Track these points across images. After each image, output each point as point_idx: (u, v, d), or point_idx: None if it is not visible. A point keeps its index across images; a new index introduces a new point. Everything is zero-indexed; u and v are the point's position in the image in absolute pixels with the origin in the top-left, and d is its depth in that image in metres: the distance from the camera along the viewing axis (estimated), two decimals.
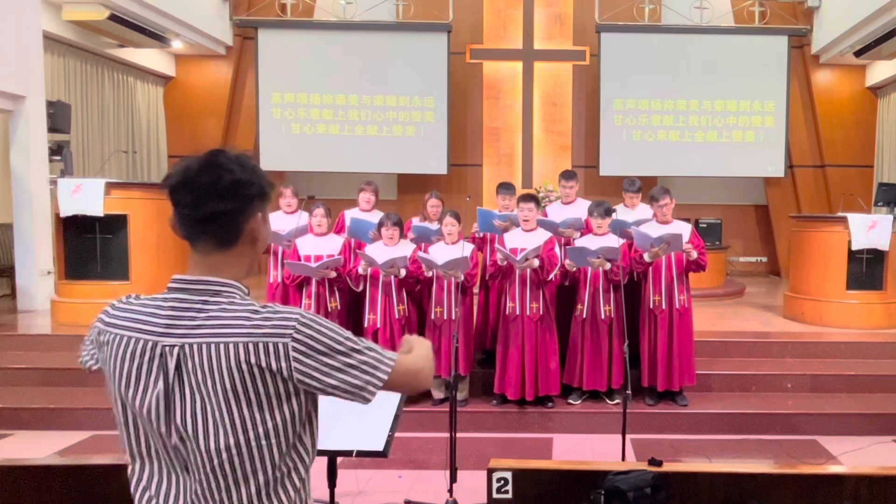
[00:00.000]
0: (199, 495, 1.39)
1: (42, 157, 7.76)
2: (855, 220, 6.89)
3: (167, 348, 1.37)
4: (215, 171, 1.40)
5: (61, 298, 6.84)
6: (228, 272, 1.44)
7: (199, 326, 1.37)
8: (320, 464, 2.87)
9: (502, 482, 2.61)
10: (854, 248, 6.85)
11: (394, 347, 5.02)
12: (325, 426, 2.73)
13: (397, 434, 2.71)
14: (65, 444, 4.95)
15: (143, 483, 1.45)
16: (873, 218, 6.98)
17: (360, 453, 2.65)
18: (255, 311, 1.39)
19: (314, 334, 1.39)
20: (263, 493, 1.40)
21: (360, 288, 5.38)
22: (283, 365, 1.36)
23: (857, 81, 11.14)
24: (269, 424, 1.38)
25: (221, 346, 1.35)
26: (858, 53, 9.83)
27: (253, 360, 1.35)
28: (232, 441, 1.37)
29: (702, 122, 10.96)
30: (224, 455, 1.37)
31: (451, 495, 3.85)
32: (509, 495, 2.61)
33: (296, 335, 1.37)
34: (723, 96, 10.84)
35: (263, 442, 1.38)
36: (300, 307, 5.33)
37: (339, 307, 5.45)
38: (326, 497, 2.94)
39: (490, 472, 2.62)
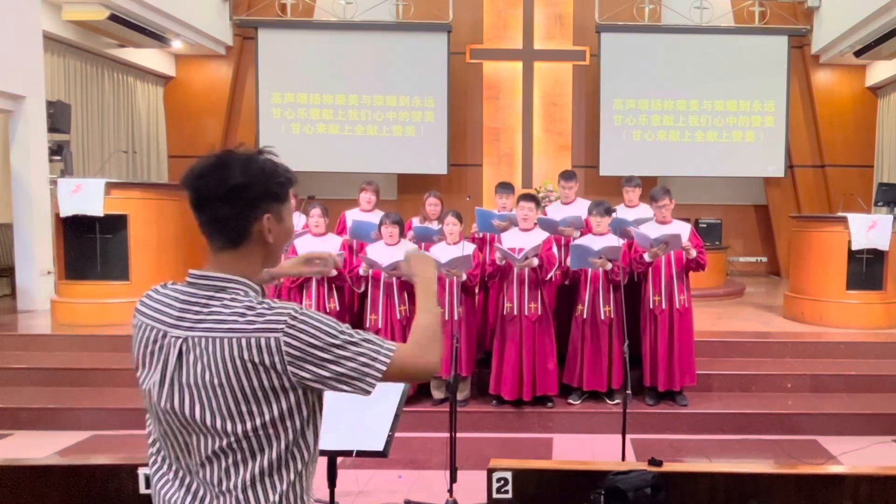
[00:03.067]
0: (201, 478, 1.45)
1: (42, 157, 7.76)
2: (855, 220, 6.89)
3: (173, 339, 1.44)
4: (217, 175, 1.44)
5: (61, 298, 6.84)
6: (238, 269, 1.48)
7: (201, 321, 1.43)
8: (320, 464, 2.87)
9: (502, 482, 2.61)
10: (854, 248, 6.85)
11: None
12: (326, 426, 2.73)
13: (397, 434, 2.71)
14: (65, 444, 4.95)
15: (157, 464, 1.53)
16: (873, 218, 6.98)
17: (360, 453, 2.65)
18: (251, 308, 1.42)
19: (306, 328, 1.41)
20: (258, 482, 1.44)
21: (363, 289, 5.38)
22: (276, 359, 1.39)
23: (857, 81, 11.14)
24: (266, 418, 1.41)
25: (217, 340, 1.40)
26: (858, 53, 9.83)
27: (246, 356, 1.39)
28: (229, 429, 1.41)
29: (702, 122, 10.96)
30: (223, 441, 1.42)
31: (451, 495, 3.85)
32: (509, 495, 2.61)
33: (287, 329, 1.40)
34: (723, 96, 10.84)
35: (261, 432, 1.42)
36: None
37: (337, 308, 5.44)
38: (326, 497, 2.94)
39: (490, 472, 2.62)
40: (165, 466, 1.51)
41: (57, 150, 7.93)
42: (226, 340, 1.40)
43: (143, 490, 2.58)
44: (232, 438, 1.41)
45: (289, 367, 1.40)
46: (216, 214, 1.45)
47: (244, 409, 1.40)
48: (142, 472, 2.56)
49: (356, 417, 2.73)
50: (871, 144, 11.06)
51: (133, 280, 6.65)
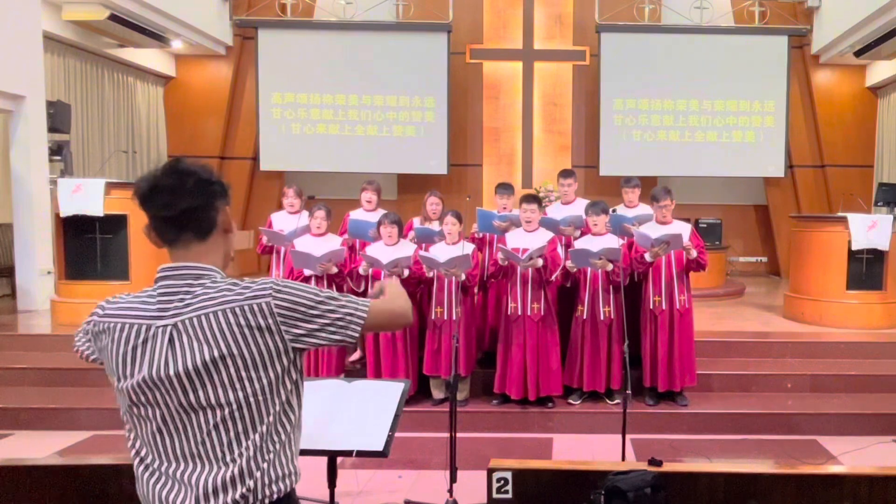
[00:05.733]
0: (203, 457, 1.54)
1: (42, 157, 7.76)
2: (855, 220, 6.89)
3: (160, 329, 1.53)
4: (179, 174, 1.57)
5: (61, 298, 6.83)
6: (209, 260, 1.61)
7: (188, 305, 1.54)
8: (320, 464, 2.87)
9: (502, 482, 2.61)
10: (854, 248, 6.85)
11: (395, 348, 5.04)
12: (325, 426, 2.73)
13: (397, 434, 2.71)
14: (65, 444, 4.95)
15: (147, 464, 1.59)
16: (873, 218, 6.98)
17: (360, 453, 2.65)
18: (235, 283, 1.57)
19: (291, 290, 1.57)
20: (258, 448, 1.55)
21: (362, 289, 5.38)
22: (271, 321, 1.54)
23: (857, 81, 11.14)
24: (264, 382, 1.54)
25: (212, 315, 1.52)
26: (858, 53, 9.83)
27: (243, 322, 1.52)
28: (231, 397, 1.52)
29: (702, 122, 10.96)
30: (226, 410, 1.52)
31: (451, 495, 3.85)
32: (509, 495, 2.61)
33: (274, 294, 1.55)
34: (723, 96, 10.84)
35: (260, 397, 1.54)
36: None
37: None
38: (326, 497, 2.94)
39: (490, 472, 2.62)
40: (157, 464, 1.57)
41: (57, 150, 7.93)
42: (220, 313, 1.52)
43: None
44: (234, 407, 1.52)
45: (282, 327, 1.55)
46: (189, 206, 1.56)
47: (244, 374, 1.52)
48: None
49: (356, 417, 2.73)
50: (871, 144, 11.06)
51: (133, 280, 6.64)
